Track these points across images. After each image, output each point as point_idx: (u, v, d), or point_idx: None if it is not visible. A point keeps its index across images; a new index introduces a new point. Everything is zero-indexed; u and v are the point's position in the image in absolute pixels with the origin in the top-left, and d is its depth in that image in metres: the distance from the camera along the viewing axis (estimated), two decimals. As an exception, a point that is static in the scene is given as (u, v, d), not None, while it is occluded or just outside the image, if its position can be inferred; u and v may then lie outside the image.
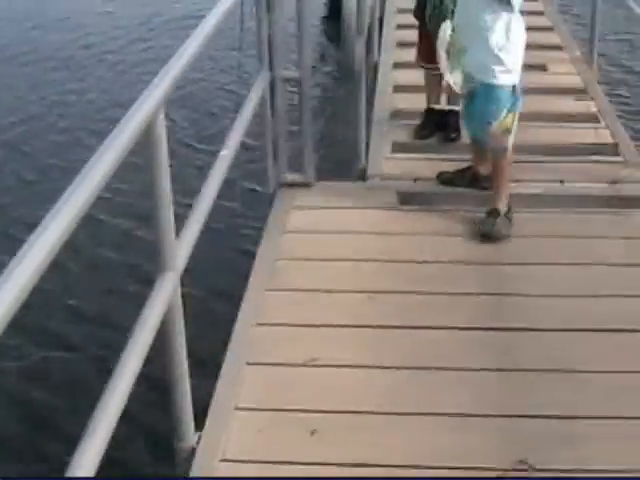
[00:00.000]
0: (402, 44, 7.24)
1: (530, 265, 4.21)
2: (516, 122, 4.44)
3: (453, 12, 4.64)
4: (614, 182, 5.01)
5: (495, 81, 4.34)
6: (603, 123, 5.87)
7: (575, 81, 6.70)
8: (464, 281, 4.05)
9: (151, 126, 2.49)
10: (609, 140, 5.61)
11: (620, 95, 8.63)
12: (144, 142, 2.46)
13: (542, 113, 5.91)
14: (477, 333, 3.67)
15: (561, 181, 5.04)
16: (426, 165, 5.18)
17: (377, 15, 7.36)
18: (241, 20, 3.74)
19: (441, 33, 4.60)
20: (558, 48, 7.44)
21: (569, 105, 6.20)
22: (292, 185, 4.88)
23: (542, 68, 6.90)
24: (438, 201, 4.74)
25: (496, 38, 4.26)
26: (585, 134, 5.71)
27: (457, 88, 4.58)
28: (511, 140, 4.46)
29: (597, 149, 5.47)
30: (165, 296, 2.59)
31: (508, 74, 4.34)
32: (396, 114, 6.02)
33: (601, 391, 3.31)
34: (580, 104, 6.23)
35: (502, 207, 4.48)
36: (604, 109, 6.12)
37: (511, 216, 4.48)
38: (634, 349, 3.56)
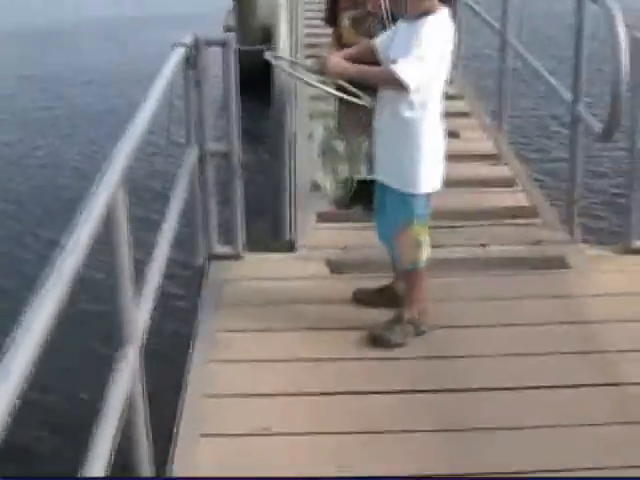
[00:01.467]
0: (315, 115, 7.37)
1: (458, 328, 4.31)
2: (427, 235, 4.18)
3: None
4: (535, 244, 5.18)
5: (407, 189, 4.05)
6: (519, 187, 6.06)
7: (488, 146, 6.92)
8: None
9: (112, 207, 2.55)
10: (526, 203, 5.80)
11: (532, 160, 8.89)
12: (104, 223, 2.51)
13: (459, 179, 6.06)
14: (411, 396, 3.75)
15: (483, 245, 5.19)
16: (352, 233, 5.28)
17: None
18: (170, 99, 3.79)
19: (314, 132, 4.63)
20: (468, 115, 7.66)
21: (484, 170, 6.39)
22: (222, 257, 4.93)
23: (454, 135, 7.09)
24: (368, 268, 4.83)
25: (411, 144, 3.99)
26: (503, 198, 5.89)
27: (327, 194, 4.50)
28: (424, 254, 4.17)
29: (516, 212, 5.65)
30: (129, 369, 2.63)
31: (421, 181, 4.04)
32: (317, 185, 6.11)
33: (530, 447, 3.41)
34: (495, 169, 6.43)
35: (407, 315, 4.19)
36: (518, 173, 6.33)
37: (419, 328, 4.20)
38: (556, 405, 3.69)
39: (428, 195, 4.10)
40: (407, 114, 3.92)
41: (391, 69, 3.79)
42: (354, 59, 4.08)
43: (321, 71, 4.04)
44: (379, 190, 4.22)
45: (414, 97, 3.87)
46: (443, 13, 3.91)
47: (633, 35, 4.70)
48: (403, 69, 3.76)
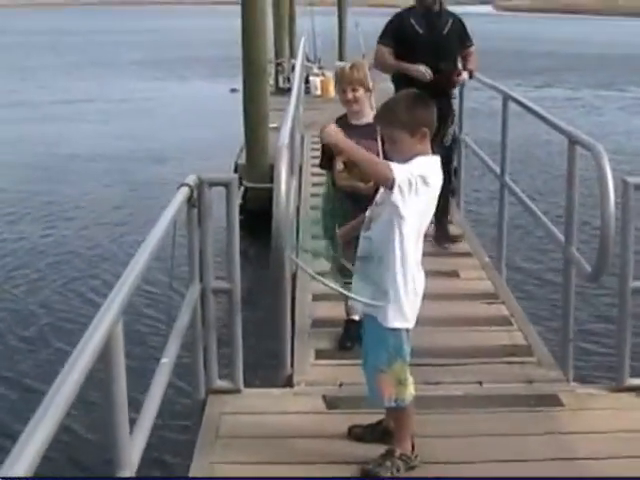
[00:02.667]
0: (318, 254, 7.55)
1: (453, 464, 4.35)
2: (408, 373, 4.18)
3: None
4: (530, 382, 5.27)
5: (385, 323, 4.07)
6: (515, 326, 6.18)
7: (486, 286, 7.06)
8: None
9: (109, 340, 2.68)
10: (522, 342, 5.90)
11: (528, 299, 9.03)
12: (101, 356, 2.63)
13: (457, 318, 6.22)
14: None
15: (480, 382, 5.27)
16: (350, 370, 5.36)
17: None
18: (173, 239, 3.96)
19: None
20: (468, 255, 7.83)
21: (482, 309, 6.52)
22: (222, 392, 5.02)
23: (454, 274, 7.27)
24: (364, 405, 4.89)
25: (395, 277, 4.02)
26: (499, 337, 6.00)
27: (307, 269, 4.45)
28: (407, 392, 4.18)
29: (511, 351, 5.75)
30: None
31: (403, 317, 4.07)
32: (317, 322, 6.25)
33: None
34: (492, 308, 6.55)
35: (399, 450, 4.24)
36: (515, 312, 6.45)
37: (410, 463, 4.23)
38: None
39: (408, 332, 4.15)
40: (396, 248, 3.98)
41: (386, 161, 3.94)
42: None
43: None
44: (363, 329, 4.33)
45: (405, 230, 3.95)
46: (435, 159, 4.09)
47: (622, 178, 4.87)
48: (395, 165, 3.88)
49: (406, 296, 4.06)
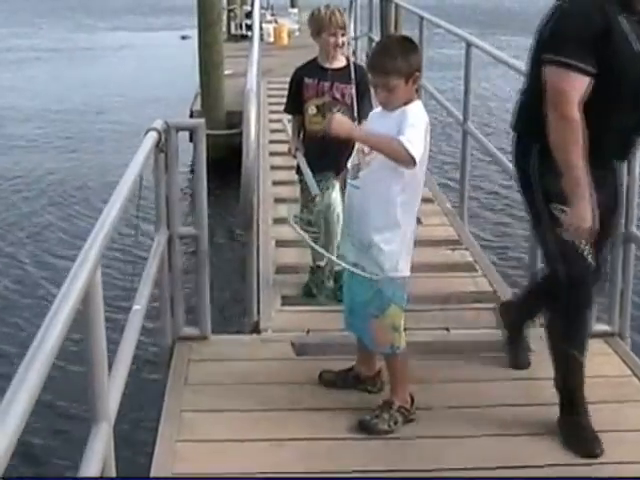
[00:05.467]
0: (279, 200, 7.53)
1: (422, 410, 4.32)
2: (403, 319, 4.16)
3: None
4: (497, 327, 5.26)
5: (382, 273, 4.02)
6: (480, 272, 6.19)
7: (449, 232, 7.06)
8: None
9: (90, 288, 2.63)
10: (487, 288, 5.92)
11: (491, 245, 9.07)
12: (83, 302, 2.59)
13: (421, 264, 6.16)
14: (378, 475, 3.81)
15: (446, 328, 5.28)
16: (317, 317, 5.37)
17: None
18: (140, 185, 3.89)
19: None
20: (430, 201, 7.80)
21: (446, 255, 6.52)
22: (189, 338, 4.99)
23: (416, 221, 7.23)
24: (332, 351, 4.90)
25: (387, 226, 3.98)
26: (464, 283, 6.02)
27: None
28: (402, 339, 4.17)
29: (477, 297, 5.76)
30: (101, 447, 2.68)
31: (397, 265, 4.04)
32: (281, 269, 6.23)
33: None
34: (456, 254, 6.56)
35: (397, 402, 4.19)
36: (479, 258, 6.46)
37: (409, 416, 4.20)
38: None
39: (405, 278, 4.13)
40: (397, 196, 3.94)
41: (400, 140, 3.79)
42: None
43: (327, 129, 4.02)
44: (346, 275, 4.28)
45: (407, 179, 3.92)
46: (420, 104, 4.05)
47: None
48: (410, 142, 3.79)
49: (403, 243, 4.04)
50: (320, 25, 5.61)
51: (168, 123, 4.58)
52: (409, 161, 3.81)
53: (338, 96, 5.43)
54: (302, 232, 4.39)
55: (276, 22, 21.95)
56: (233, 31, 21.70)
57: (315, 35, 5.66)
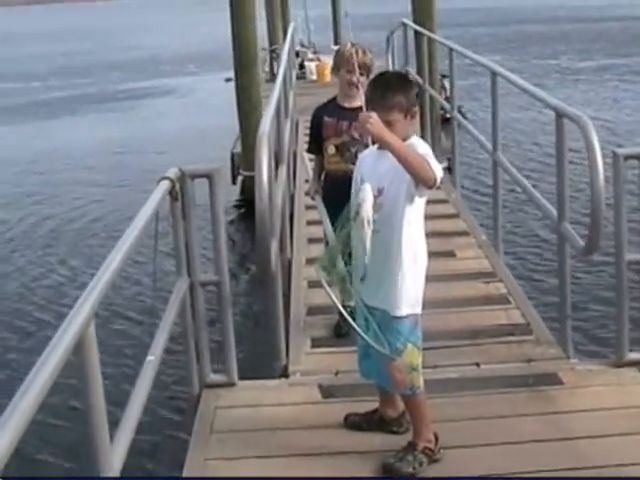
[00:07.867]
0: (312, 240, 7.49)
1: (451, 449, 4.25)
2: (421, 358, 4.10)
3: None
4: (528, 360, 5.19)
5: (398, 312, 4.00)
6: (513, 304, 6.09)
7: (483, 265, 6.97)
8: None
9: (82, 340, 2.60)
10: (520, 320, 5.82)
11: (526, 277, 8.95)
12: (75, 356, 2.57)
13: (454, 298, 6.13)
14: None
15: (477, 364, 5.19)
16: (346, 358, 5.28)
17: (287, 213, 7.62)
18: (156, 232, 3.88)
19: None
20: (465, 234, 7.74)
21: (479, 288, 6.43)
22: (216, 385, 4.95)
23: (451, 254, 7.18)
24: (360, 392, 4.83)
25: (403, 264, 3.96)
26: (497, 316, 5.92)
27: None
28: (421, 379, 4.10)
29: (510, 330, 5.67)
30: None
31: (412, 303, 4.03)
32: (313, 310, 6.17)
33: None
34: (490, 287, 6.47)
35: (421, 443, 4.11)
36: (513, 290, 6.36)
37: (434, 457, 4.12)
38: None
39: (418, 316, 4.08)
40: (405, 229, 3.92)
41: (425, 156, 3.77)
42: None
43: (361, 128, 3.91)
44: (362, 318, 4.17)
45: (414, 212, 3.90)
46: (419, 138, 4.02)
47: (613, 150, 4.78)
48: (433, 162, 3.77)
49: (415, 280, 4.01)
50: (339, 61, 5.56)
51: (183, 171, 4.58)
52: (431, 178, 3.75)
53: (357, 135, 5.36)
54: (325, 284, 4.32)
55: (319, 60, 22.02)
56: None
57: (335, 71, 5.63)
